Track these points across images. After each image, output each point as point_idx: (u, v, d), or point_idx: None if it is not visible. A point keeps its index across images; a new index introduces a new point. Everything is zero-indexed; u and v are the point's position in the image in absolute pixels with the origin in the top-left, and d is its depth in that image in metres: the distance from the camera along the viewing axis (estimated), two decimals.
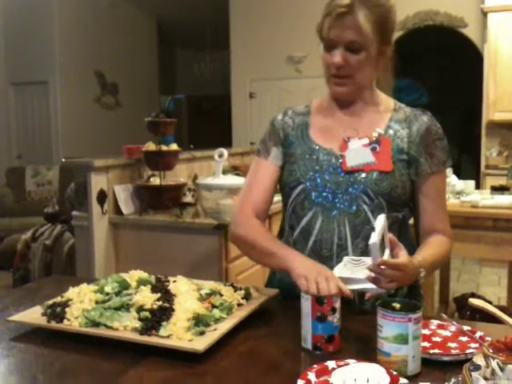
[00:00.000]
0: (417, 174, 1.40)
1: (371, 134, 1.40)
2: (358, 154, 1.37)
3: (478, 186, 4.26)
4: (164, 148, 2.99)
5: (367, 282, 1.15)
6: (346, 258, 1.27)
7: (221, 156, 2.87)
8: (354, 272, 1.21)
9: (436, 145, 1.41)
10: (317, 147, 1.42)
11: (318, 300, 1.09)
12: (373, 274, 1.13)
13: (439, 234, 1.41)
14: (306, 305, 1.10)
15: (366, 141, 1.39)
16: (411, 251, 1.27)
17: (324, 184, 1.38)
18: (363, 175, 1.36)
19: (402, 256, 1.16)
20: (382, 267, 1.11)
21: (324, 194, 1.38)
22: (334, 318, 1.10)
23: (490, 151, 5.92)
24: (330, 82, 1.40)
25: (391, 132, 1.40)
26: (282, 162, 1.47)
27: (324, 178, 1.38)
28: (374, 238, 1.08)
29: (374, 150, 1.38)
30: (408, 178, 1.39)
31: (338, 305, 1.10)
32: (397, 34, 6.54)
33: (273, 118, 1.54)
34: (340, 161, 1.38)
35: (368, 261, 1.19)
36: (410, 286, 1.43)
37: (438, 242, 1.39)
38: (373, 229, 1.12)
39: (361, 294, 1.34)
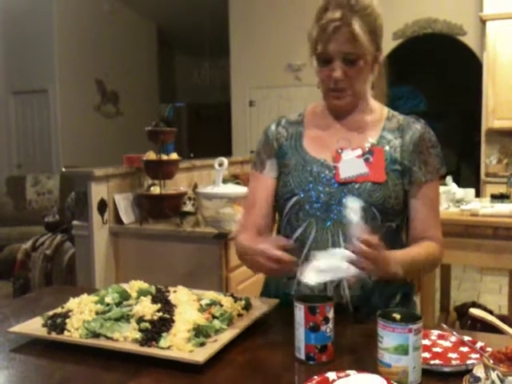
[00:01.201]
0: (410, 182, 1.40)
1: (364, 144, 1.40)
2: (351, 165, 1.38)
3: (477, 194, 4.26)
4: (164, 157, 2.99)
5: (347, 268, 1.15)
6: (316, 253, 1.23)
7: (221, 165, 2.88)
8: (330, 263, 1.20)
9: (430, 152, 1.41)
10: (310, 158, 1.42)
11: (311, 309, 1.09)
12: (353, 256, 1.13)
13: (429, 241, 1.41)
14: (299, 314, 1.10)
15: (359, 152, 1.39)
16: None
17: (318, 195, 1.38)
18: (356, 186, 1.36)
19: (374, 239, 1.17)
20: (364, 247, 1.12)
21: (318, 205, 1.38)
22: (327, 328, 1.10)
23: (489, 159, 5.93)
24: (327, 96, 1.41)
25: (384, 142, 1.41)
26: (277, 172, 1.47)
27: (318, 189, 1.39)
28: (356, 218, 1.13)
29: (367, 160, 1.38)
30: (401, 188, 1.39)
31: (331, 315, 1.10)
32: (396, 42, 6.59)
33: (266, 128, 1.54)
34: (333, 172, 1.39)
35: (337, 251, 1.20)
36: (403, 294, 1.44)
37: (425, 245, 1.39)
38: (351, 209, 1.16)
39: (356, 305, 1.36)
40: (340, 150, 1.40)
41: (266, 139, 1.51)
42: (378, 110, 1.47)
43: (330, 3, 1.32)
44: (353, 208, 1.17)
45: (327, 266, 1.17)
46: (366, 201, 1.34)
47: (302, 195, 1.40)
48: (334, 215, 1.37)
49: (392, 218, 1.39)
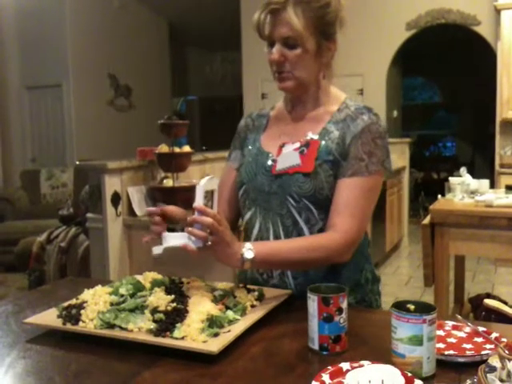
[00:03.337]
0: (336, 175, 1.36)
1: (304, 137, 1.41)
2: (287, 157, 1.40)
3: (492, 185, 4.23)
4: (177, 150, 3.00)
5: (188, 237, 1.27)
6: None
7: None
8: (178, 234, 1.34)
9: (376, 143, 1.35)
10: (261, 150, 1.47)
11: (325, 300, 1.09)
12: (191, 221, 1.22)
13: (331, 229, 1.33)
14: (313, 305, 1.10)
15: (298, 145, 1.40)
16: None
17: (259, 187, 1.43)
18: (287, 178, 1.37)
19: (212, 211, 1.25)
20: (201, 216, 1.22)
21: (261, 196, 1.43)
22: (341, 319, 1.10)
23: (504, 150, 5.87)
24: (275, 79, 1.42)
25: (325, 133, 1.39)
26: (238, 163, 1.53)
27: (259, 180, 1.43)
28: (200, 199, 1.24)
29: (302, 153, 1.38)
30: (334, 179, 1.35)
31: (344, 305, 1.10)
32: (409, 33, 6.54)
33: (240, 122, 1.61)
34: (272, 164, 1.42)
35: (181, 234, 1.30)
36: (354, 285, 1.42)
37: (314, 236, 1.36)
38: (197, 190, 1.27)
39: (301, 292, 1.35)
40: (282, 144, 1.43)
41: (236, 132, 1.59)
42: (332, 102, 1.43)
43: None
44: (199, 189, 1.26)
45: (174, 236, 1.31)
46: (296, 192, 1.36)
47: (247, 185, 1.46)
48: (274, 206, 1.40)
49: (329, 210, 1.35)
